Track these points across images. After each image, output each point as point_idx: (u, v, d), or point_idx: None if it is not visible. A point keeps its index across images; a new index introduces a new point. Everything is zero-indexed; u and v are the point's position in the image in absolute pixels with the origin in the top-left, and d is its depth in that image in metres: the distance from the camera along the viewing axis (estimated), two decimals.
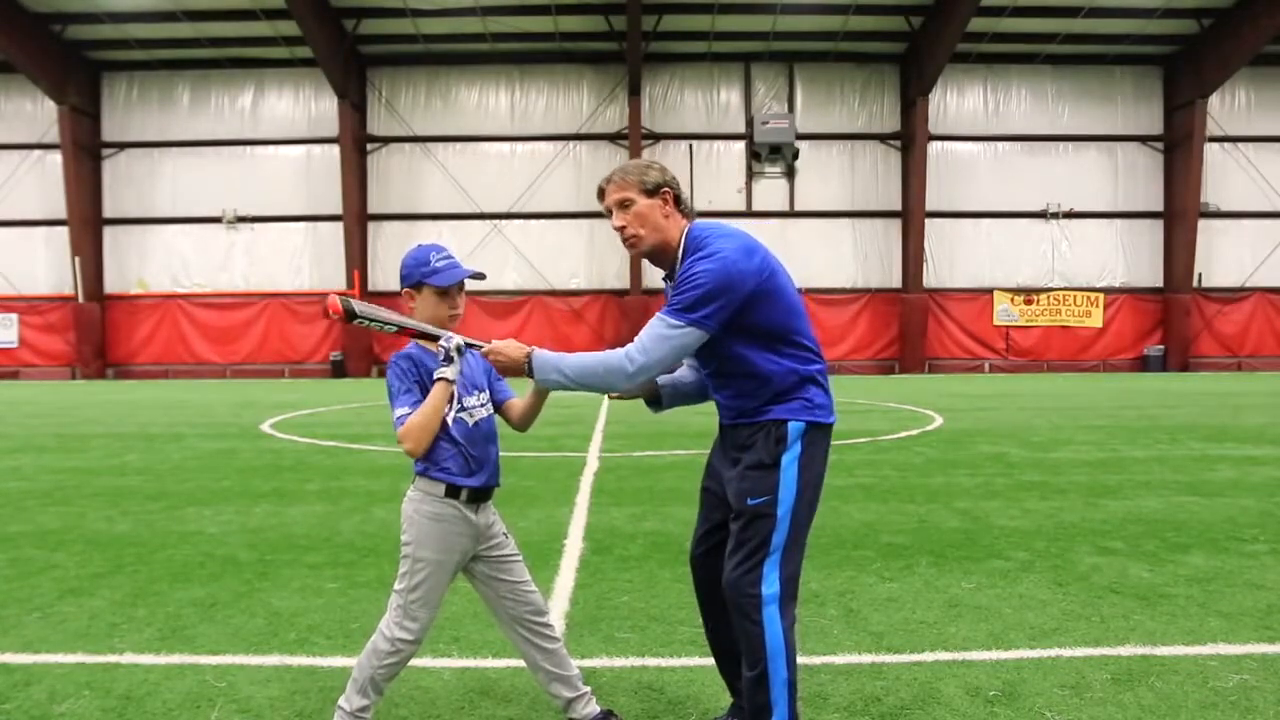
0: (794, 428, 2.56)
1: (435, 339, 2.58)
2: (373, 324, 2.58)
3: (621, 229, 2.66)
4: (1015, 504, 6.45)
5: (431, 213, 30.35)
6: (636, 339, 2.53)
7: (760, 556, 2.53)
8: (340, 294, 2.61)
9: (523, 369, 2.53)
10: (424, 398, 2.57)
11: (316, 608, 4.11)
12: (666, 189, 2.64)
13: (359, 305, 2.55)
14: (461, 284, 2.69)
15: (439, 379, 2.54)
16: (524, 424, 2.86)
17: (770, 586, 2.52)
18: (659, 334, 2.49)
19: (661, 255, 2.69)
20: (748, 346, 2.56)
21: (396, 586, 2.65)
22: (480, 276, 2.74)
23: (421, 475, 2.64)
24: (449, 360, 2.54)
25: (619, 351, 2.51)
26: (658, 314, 2.55)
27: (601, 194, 2.70)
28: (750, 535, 2.54)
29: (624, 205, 2.64)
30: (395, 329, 2.59)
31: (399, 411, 2.56)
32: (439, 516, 2.62)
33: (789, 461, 2.55)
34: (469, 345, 2.58)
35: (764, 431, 2.58)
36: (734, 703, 2.88)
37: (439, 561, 2.62)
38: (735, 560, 2.56)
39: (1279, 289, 30.83)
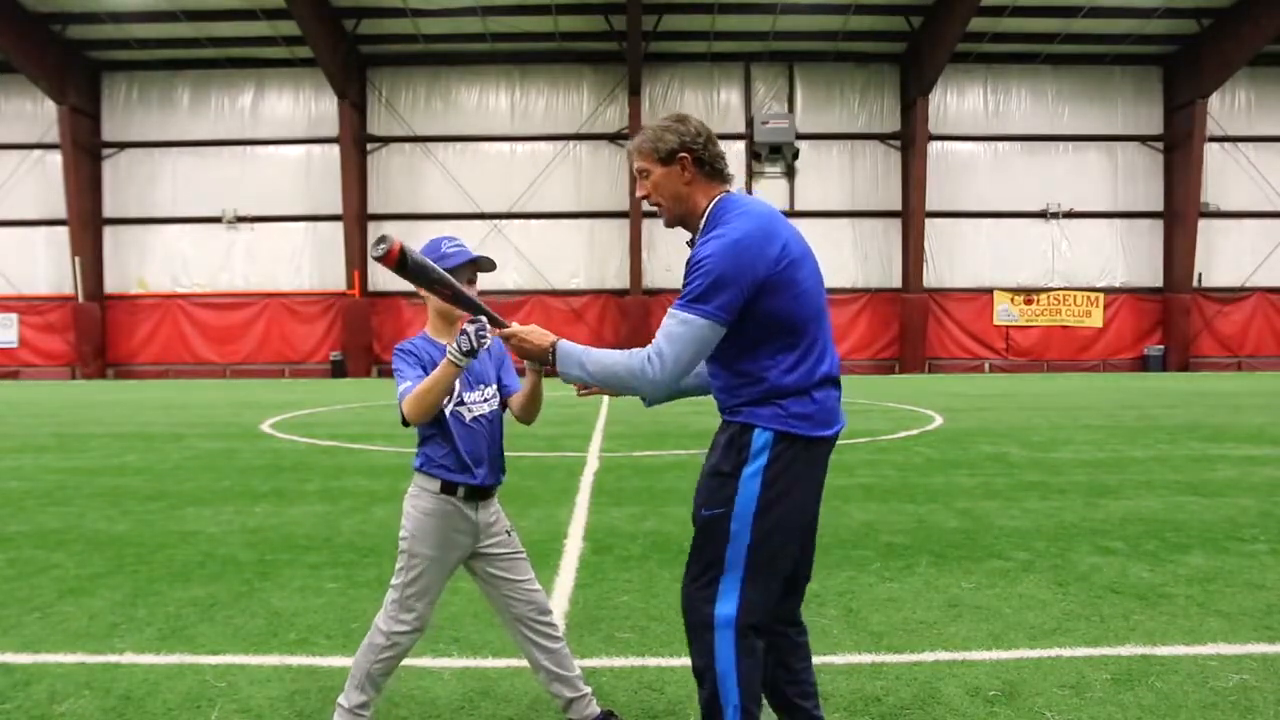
0: (759, 437, 2.28)
1: (475, 312, 2.45)
2: (419, 280, 2.41)
3: (645, 198, 2.50)
4: (1015, 504, 6.45)
5: (431, 213, 30.32)
6: (655, 338, 2.31)
7: (715, 573, 2.31)
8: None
9: (546, 357, 2.38)
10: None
11: (316, 608, 4.12)
12: (684, 154, 2.39)
13: (415, 255, 2.35)
14: (473, 272, 2.68)
15: (450, 361, 2.44)
16: (525, 414, 2.76)
17: (726, 608, 2.28)
18: (670, 331, 2.25)
19: (687, 223, 2.49)
20: (740, 337, 2.30)
21: (393, 581, 2.67)
22: (490, 264, 2.72)
23: (419, 471, 2.67)
24: (470, 353, 2.41)
25: (640, 353, 2.29)
26: (670, 307, 2.32)
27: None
28: (703, 548, 2.35)
29: (643, 175, 2.46)
30: (446, 289, 2.43)
31: (404, 385, 2.55)
32: (435, 512, 2.63)
33: (750, 474, 2.28)
34: (493, 321, 2.43)
35: (729, 435, 2.35)
36: None
37: (434, 557, 2.63)
38: (690, 573, 2.38)
39: (1279, 289, 30.84)
